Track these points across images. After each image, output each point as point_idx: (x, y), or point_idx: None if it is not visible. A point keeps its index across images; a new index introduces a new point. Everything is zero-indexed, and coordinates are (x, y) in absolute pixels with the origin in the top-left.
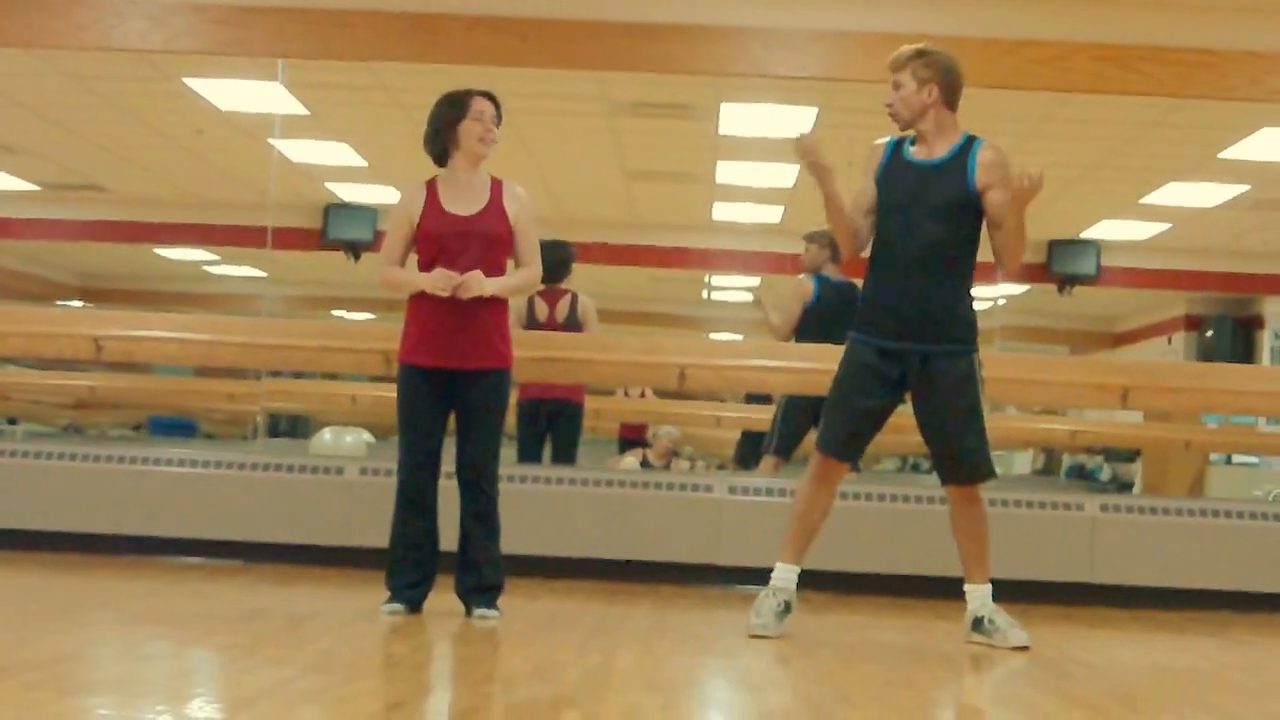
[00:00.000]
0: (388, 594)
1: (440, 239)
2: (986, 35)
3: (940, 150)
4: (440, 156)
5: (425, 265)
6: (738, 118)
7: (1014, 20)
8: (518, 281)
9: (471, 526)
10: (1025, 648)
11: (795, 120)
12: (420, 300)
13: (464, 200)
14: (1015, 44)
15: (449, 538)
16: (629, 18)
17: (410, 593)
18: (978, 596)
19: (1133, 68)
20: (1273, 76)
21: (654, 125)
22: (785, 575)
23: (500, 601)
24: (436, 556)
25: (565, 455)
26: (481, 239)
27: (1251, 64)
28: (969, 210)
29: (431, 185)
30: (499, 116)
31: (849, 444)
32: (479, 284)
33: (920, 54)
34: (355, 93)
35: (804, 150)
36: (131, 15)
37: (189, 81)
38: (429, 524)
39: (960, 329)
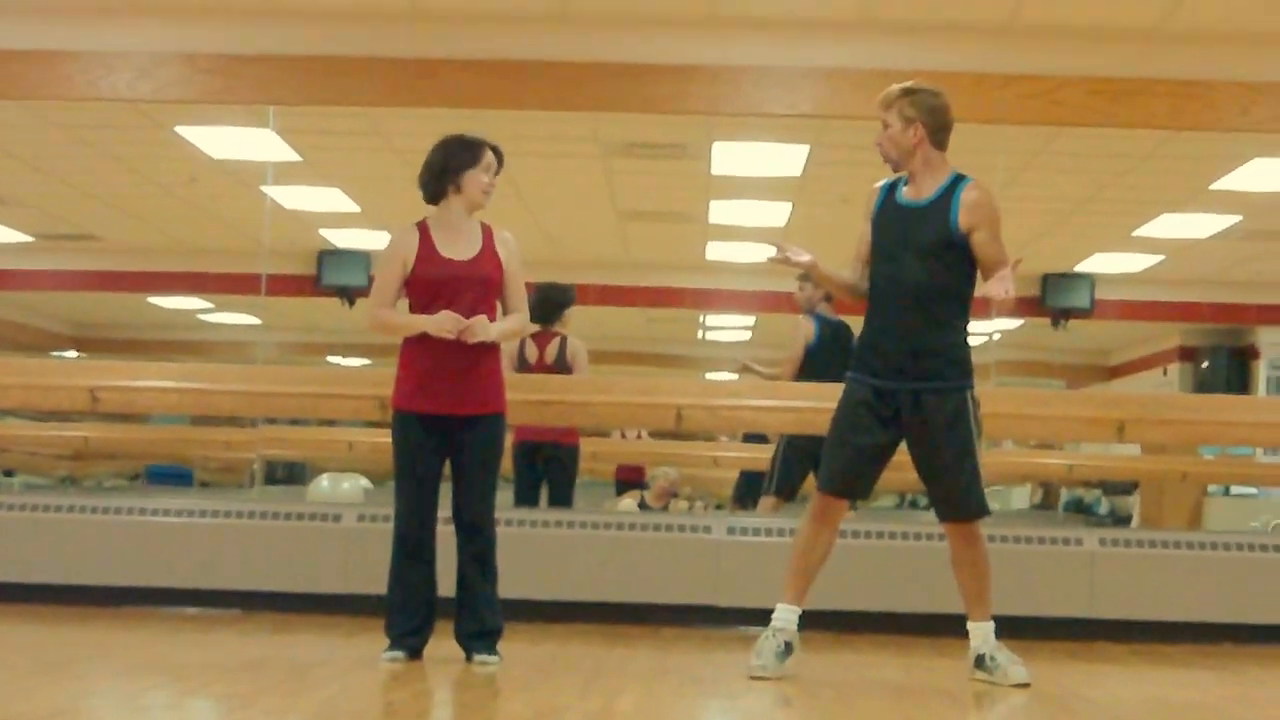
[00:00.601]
0: (387, 642)
1: (436, 284)
2: (978, 70)
3: (928, 190)
4: (435, 197)
5: (419, 310)
6: (730, 157)
7: (1005, 55)
8: (515, 327)
9: (470, 572)
10: (1026, 684)
11: (788, 157)
12: (416, 345)
13: (459, 245)
14: (1007, 78)
15: (447, 584)
16: (621, 59)
17: (410, 640)
18: (980, 634)
19: (1123, 100)
20: (1262, 107)
21: (647, 165)
22: (786, 616)
23: (500, 646)
24: (435, 603)
25: (562, 498)
26: (477, 284)
27: (1241, 95)
28: (955, 250)
29: (424, 228)
30: (499, 169)
31: (850, 482)
32: (484, 329)
33: (907, 93)
34: (347, 138)
35: (781, 261)
36: (119, 66)
37: (180, 130)
38: (428, 571)
39: (949, 368)
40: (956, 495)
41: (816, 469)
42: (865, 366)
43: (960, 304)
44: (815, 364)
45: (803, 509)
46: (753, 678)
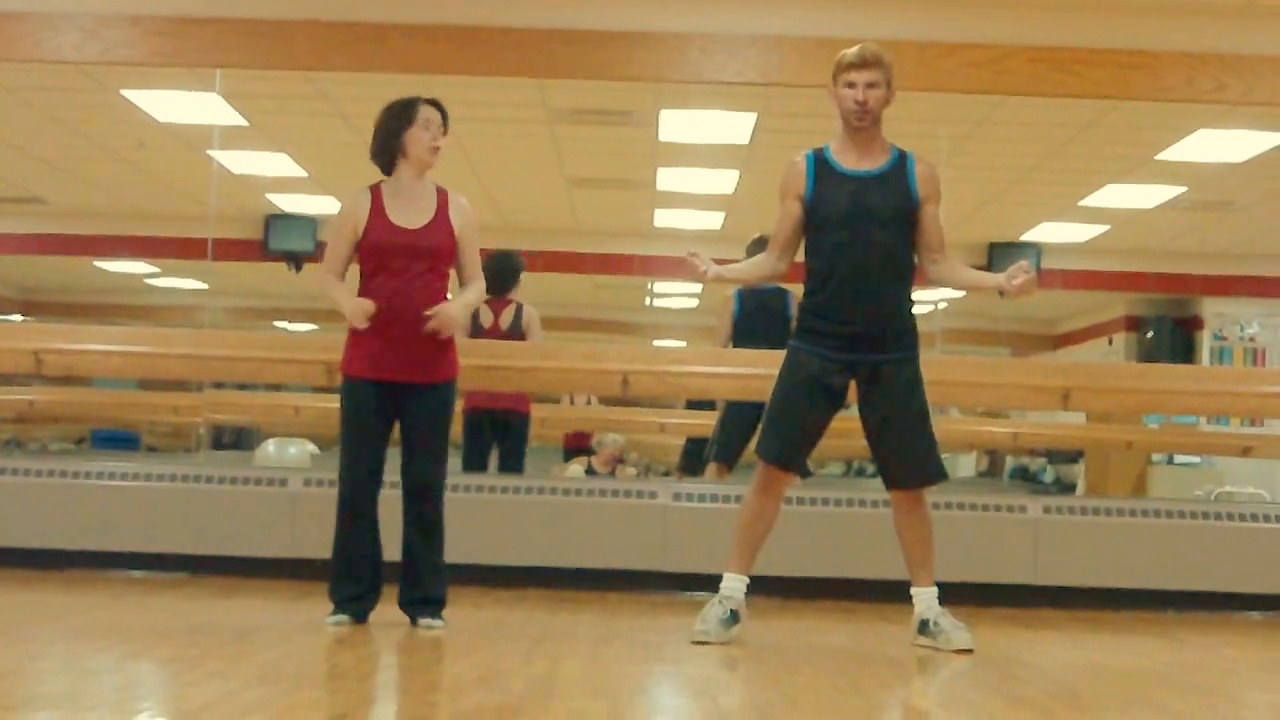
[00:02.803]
0: (332, 606)
1: (385, 252)
2: (923, 38)
3: (878, 160)
4: (388, 167)
5: (368, 276)
6: (678, 124)
7: (950, 24)
8: (473, 299)
9: (416, 539)
10: (969, 650)
11: (735, 125)
12: (377, 313)
13: (410, 212)
14: (952, 47)
15: (392, 549)
16: (567, 25)
17: (355, 604)
18: (924, 599)
19: (1068, 70)
20: (1207, 78)
21: (594, 132)
22: (733, 585)
23: (445, 612)
24: (380, 567)
25: (513, 464)
26: (427, 253)
27: (1186, 65)
28: (909, 221)
29: (376, 193)
30: (445, 125)
31: (796, 455)
32: (452, 322)
33: (884, 56)
34: (294, 103)
35: (693, 273)
36: (65, 28)
37: (126, 93)
38: (372, 536)
39: (907, 336)
40: (917, 462)
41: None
42: (817, 337)
43: (911, 273)
44: (742, 334)
45: (747, 475)
46: (694, 642)
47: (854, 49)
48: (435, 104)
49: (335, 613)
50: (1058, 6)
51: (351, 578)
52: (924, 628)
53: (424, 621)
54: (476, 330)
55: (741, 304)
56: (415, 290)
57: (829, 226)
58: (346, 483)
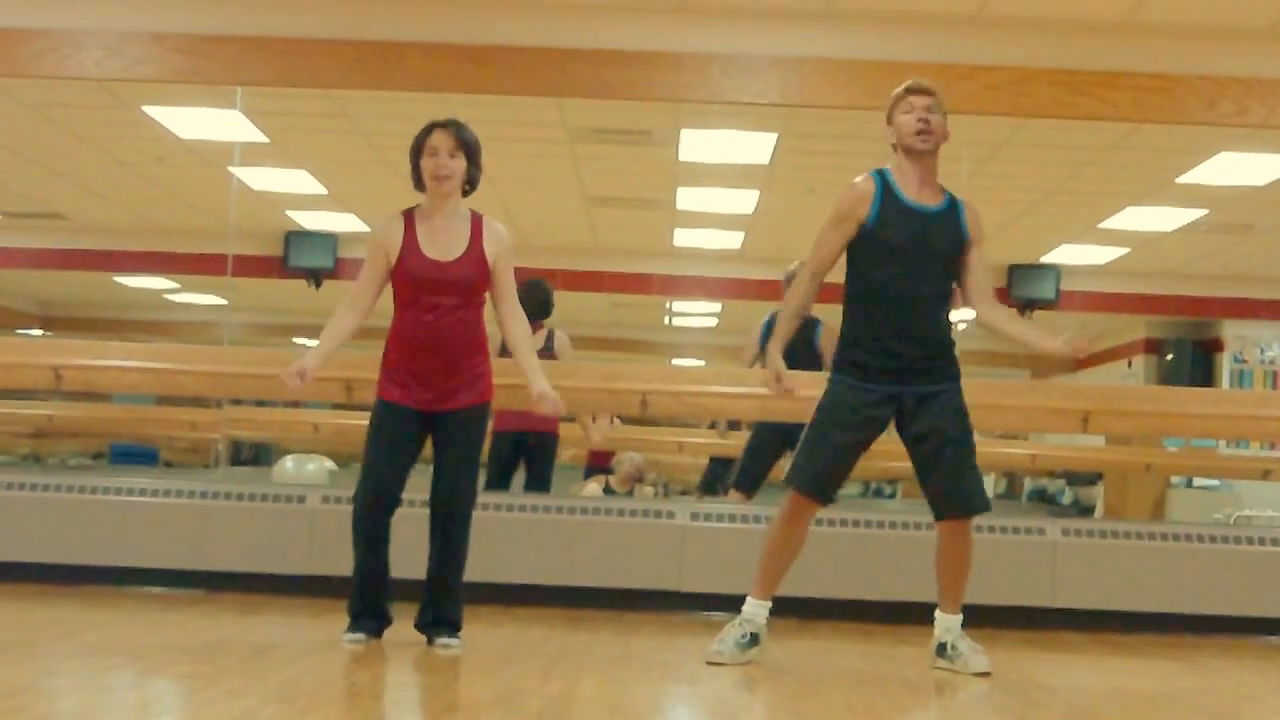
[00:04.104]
0: (349, 622)
1: (417, 283)
2: (944, 60)
3: (937, 197)
4: (419, 186)
5: (402, 307)
6: (698, 144)
7: (971, 46)
8: (525, 341)
9: (439, 560)
10: (987, 673)
11: (755, 145)
12: (396, 343)
13: (443, 243)
14: (972, 69)
15: (403, 566)
16: (588, 44)
17: (369, 621)
18: (945, 624)
19: (1089, 93)
20: (1228, 101)
21: (614, 152)
22: (755, 610)
23: (463, 631)
24: (390, 588)
25: (541, 485)
26: (459, 287)
27: (1207, 88)
28: (958, 262)
29: (409, 221)
30: (464, 144)
31: (829, 485)
32: (556, 404)
33: (937, 88)
34: (315, 120)
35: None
36: (88, 44)
37: (148, 109)
38: (383, 556)
39: (952, 367)
40: (968, 491)
41: (782, 459)
42: (863, 370)
43: (952, 306)
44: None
45: (766, 497)
46: (709, 663)
47: (907, 81)
48: (449, 126)
49: (351, 629)
50: (1079, 29)
51: (363, 594)
52: (941, 650)
53: (441, 641)
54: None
55: (770, 327)
56: (448, 324)
57: (885, 256)
58: (360, 500)
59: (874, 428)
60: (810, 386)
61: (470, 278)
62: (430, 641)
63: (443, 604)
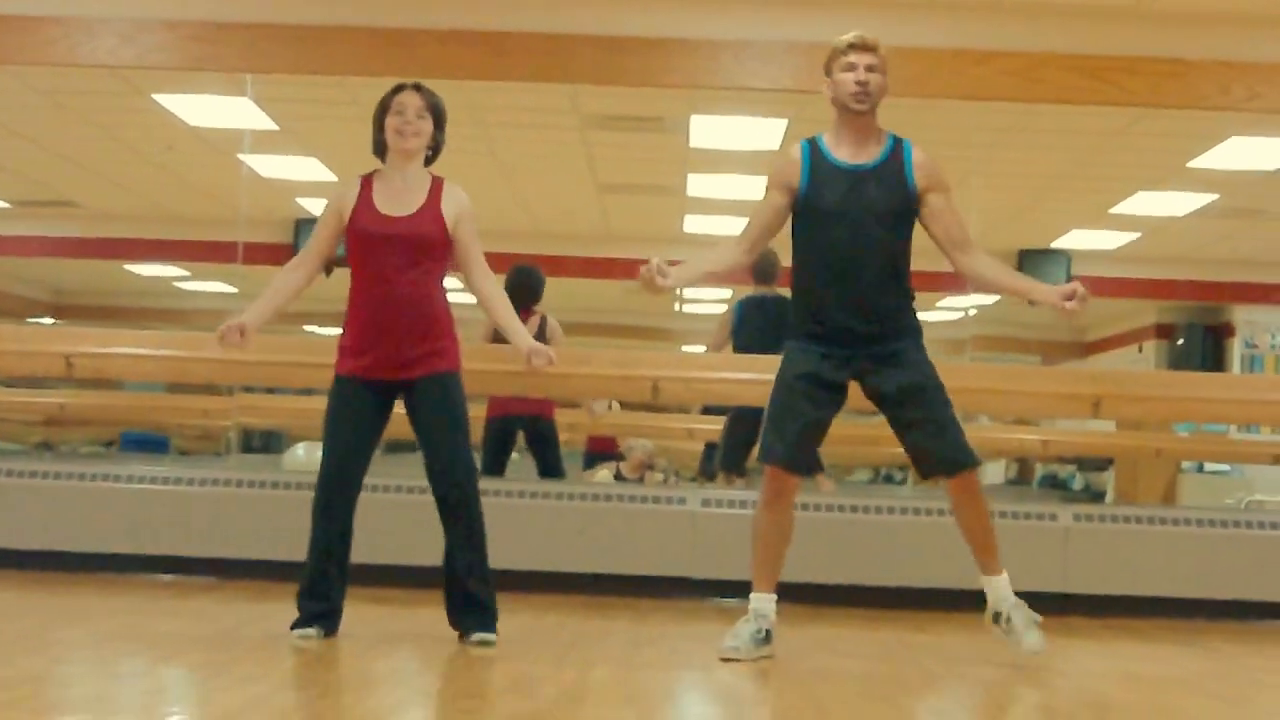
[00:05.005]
0: (296, 616)
1: (368, 239)
2: (956, 46)
3: (874, 152)
4: (381, 157)
5: (356, 269)
6: (709, 130)
7: (983, 31)
8: (505, 310)
9: (454, 544)
10: (1039, 653)
11: (766, 131)
12: (353, 307)
13: (397, 200)
14: (984, 55)
15: (431, 555)
16: (600, 31)
17: (321, 615)
18: (996, 589)
19: (1101, 78)
20: (1240, 86)
21: (625, 138)
22: (763, 604)
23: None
24: (346, 576)
25: (552, 469)
26: (409, 243)
27: (1220, 73)
28: (908, 215)
29: (367, 181)
30: (431, 108)
31: (797, 454)
32: (547, 356)
33: (881, 44)
34: (324, 107)
35: (650, 287)
36: (101, 32)
37: (158, 97)
38: (341, 542)
39: (909, 321)
40: (952, 444)
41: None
42: (813, 336)
43: (908, 268)
44: (745, 342)
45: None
46: (722, 659)
47: (848, 34)
48: (418, 88)
49: (299, 624)
50: (1091, 15)
51: (314, 587)
52: (997, 619)
53: (476, 636)
54: (499, 341)
55: (741, 313)
56: (399, 283)
57: (822, 222)
58: (317, 481)
59: (832, 391)
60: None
61: (420, 235)
62: (464, 638)
63: (471, 593)
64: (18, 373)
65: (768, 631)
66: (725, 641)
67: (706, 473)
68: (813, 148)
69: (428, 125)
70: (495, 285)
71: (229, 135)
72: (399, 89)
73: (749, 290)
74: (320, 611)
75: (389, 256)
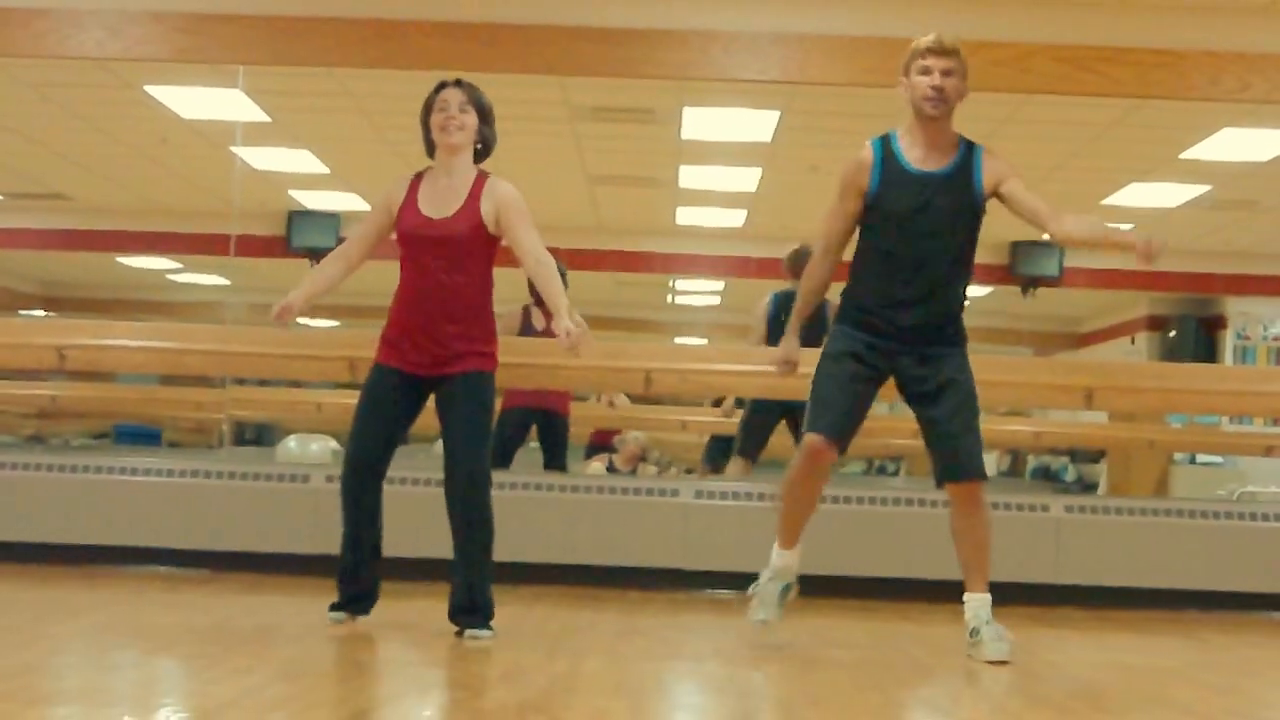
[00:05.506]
0: (335, 599)
1: (410, 240)
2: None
3: (946, 156)
4: (432, 155)
5: (403, 266)
6: (700, 122)
7: (974, 22)
8: (555, 288)
9: (458, 540)
10: (1002, 662)
11: (758, 123)
12: (400, 300)
13: (440, 201)
14: (975, 45)
15: (438, 547)
16: (590, 22)
17: (356, 599)
18: (973, 606)
19: (1092, 69)
20: (1231, 77)
21: (616, 130)
22: (785, 558)
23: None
24: (378, 559)
25: (559, 463)
26: (449, 244)
27: (1210, 64)
28: (975, 220)
29: (416, 180)
30: (474, 102)
31: (848, 427)
32: (587, 343)
33: (961, 47)
34: (317, 99)
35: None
36: (89, 24)
37: (150, 89)
38: (369, 525)
39: (959, 333)
40: (967, 453)
41: (794, 429)
42: (864, 325)
43: (969, 274)
44: (775, 335)
45: (771, 472)
46: (758, 620)
47: (930, 35)
48: (460, 84)
49: (334, 607)
50: (1082, 5)
51: (347, 571)
52: (973, 634)
53: (470, 633)
54: (529, 332)
55: (777, 305)
56: (441, 282)
57: (888, 224)
58: (343, 466)
59: (875, 373)
60: (812, 364)
61: (458, 235)
62: (460, 633)
63: (468, 591)
64: (10, 365)
65: (788, 586)
66: (755, 613)
67: (712, 463)
68: (885, 148)
69: (471, 119)
70: (545, 263)
71: (221, 127)
72: (442, 86)
73: (786, 284)
74: (353, 595)
75: (430, 257)
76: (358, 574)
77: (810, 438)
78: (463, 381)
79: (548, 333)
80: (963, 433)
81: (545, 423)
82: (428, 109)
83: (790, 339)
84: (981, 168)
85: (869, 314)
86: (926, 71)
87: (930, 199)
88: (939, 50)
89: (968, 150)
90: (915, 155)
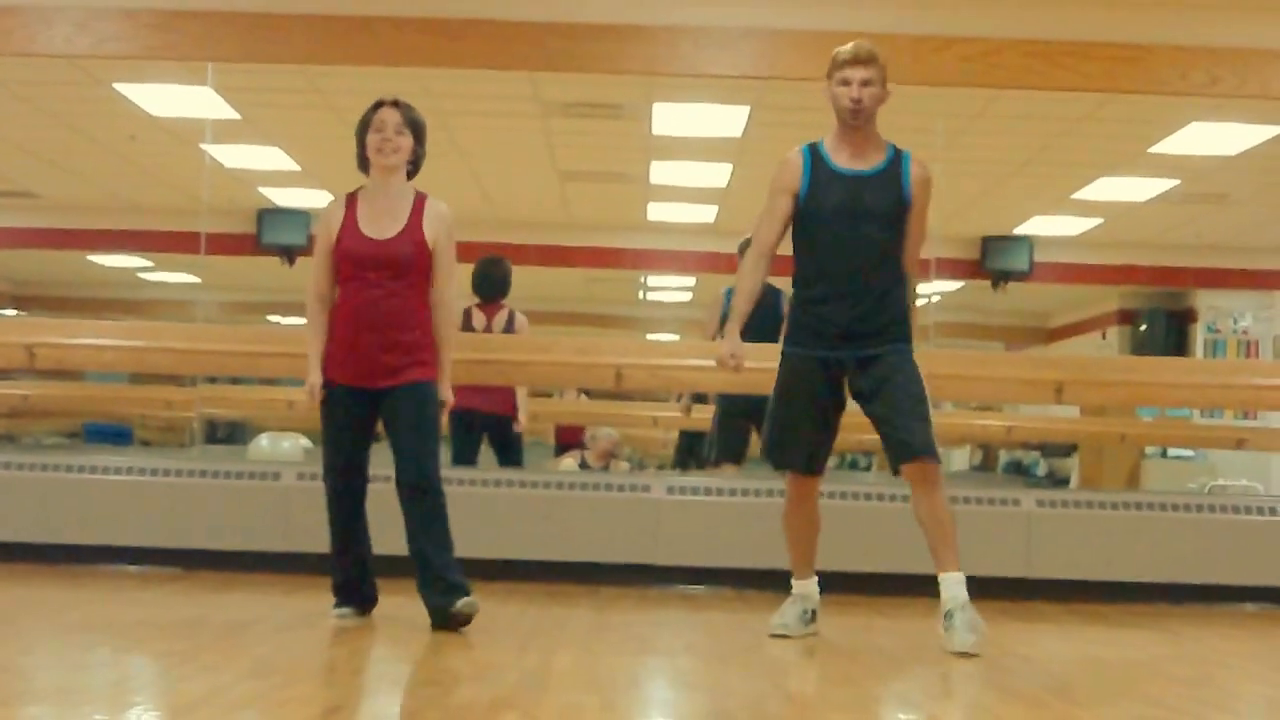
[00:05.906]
0: (332, 600)
1: (354, 261)
2: (917, 32)
3: (873, 159)
4: (366, 171)
5: (342, 283)
6: (671, 117)
7: (944, 17)
8: (449, 329)
9: (416, 535)
10: (968, 654)
11: (728, 118)
12: (342, 317)
13: (381, 220)
14: (945, 41)
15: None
16: (560, 18)
17: (355, 599)
18: (949, 587)
19: (1061, 63)
20: (1200, 71)
21: (587, 125)
22: (805, 587)
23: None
24: (370, 562)
25: (514, 462)
26: (394, 263)
27: (1179, 58)
28: (903, 219)
29: (352, 201)
30: (410, 123)
31: (816, 459)
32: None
33: (879, 53)
34: (286, 96)
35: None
36: (57, 21)
37: (119, 87)
38: (358, 530)
39: (901, 331)
40: (917, 432)
41: (756, 428)
42: (808, 336)
43: (903, 270)
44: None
45: (759, 468)
46: (772, 635)
47: (849, 46)
48: (397, 103)
49: (337, 605)
50: (1051, 1)
51: (340, 574)
52: (948, 618)
53: (462, 602)
54: (468, 333)
55: (730, 300)
56: (384, 300)
57: (822, 224)
58: (327, 482)
59: (833, 395)
60: (769, 358)
61: (405, 255)
62: (445, 614)
63: (442, 569)
64: None
65: (813, 612)
66: (774, 620)
67: (682, 463)
68: (813, 153)
69: (407, 140)
70: (449, 307)
71: (191, 125)
72: (378, 105)
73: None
74: (350, 597)
75: (372, 274)
76: (348, 577)
77: (788, 476)
78: (410, 394)
79: (486, 334)
80: (909, 417)
81: (493, 424)
82: (364, 126)
83: (732, 337)
84: (910, 172)
85: (814, 319)
86: (846, 83)
87: (859, 196)
88: (855, 60)
89: (895, 154)
90: (843, 158)
